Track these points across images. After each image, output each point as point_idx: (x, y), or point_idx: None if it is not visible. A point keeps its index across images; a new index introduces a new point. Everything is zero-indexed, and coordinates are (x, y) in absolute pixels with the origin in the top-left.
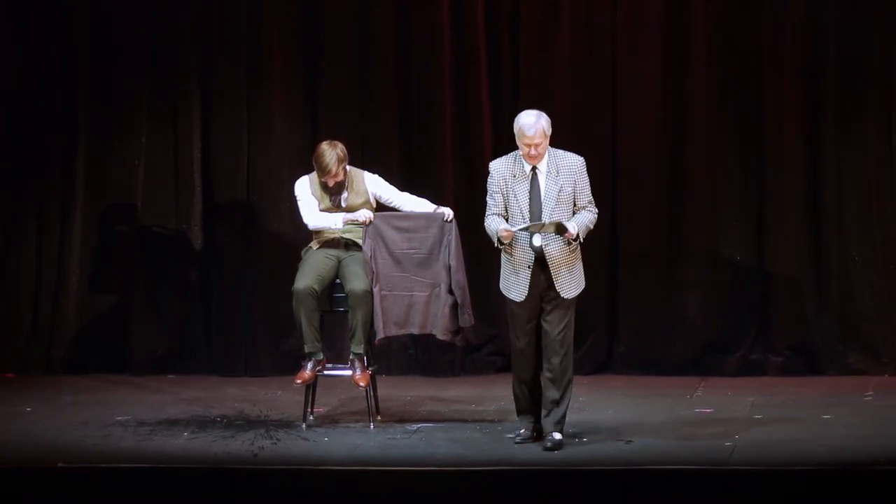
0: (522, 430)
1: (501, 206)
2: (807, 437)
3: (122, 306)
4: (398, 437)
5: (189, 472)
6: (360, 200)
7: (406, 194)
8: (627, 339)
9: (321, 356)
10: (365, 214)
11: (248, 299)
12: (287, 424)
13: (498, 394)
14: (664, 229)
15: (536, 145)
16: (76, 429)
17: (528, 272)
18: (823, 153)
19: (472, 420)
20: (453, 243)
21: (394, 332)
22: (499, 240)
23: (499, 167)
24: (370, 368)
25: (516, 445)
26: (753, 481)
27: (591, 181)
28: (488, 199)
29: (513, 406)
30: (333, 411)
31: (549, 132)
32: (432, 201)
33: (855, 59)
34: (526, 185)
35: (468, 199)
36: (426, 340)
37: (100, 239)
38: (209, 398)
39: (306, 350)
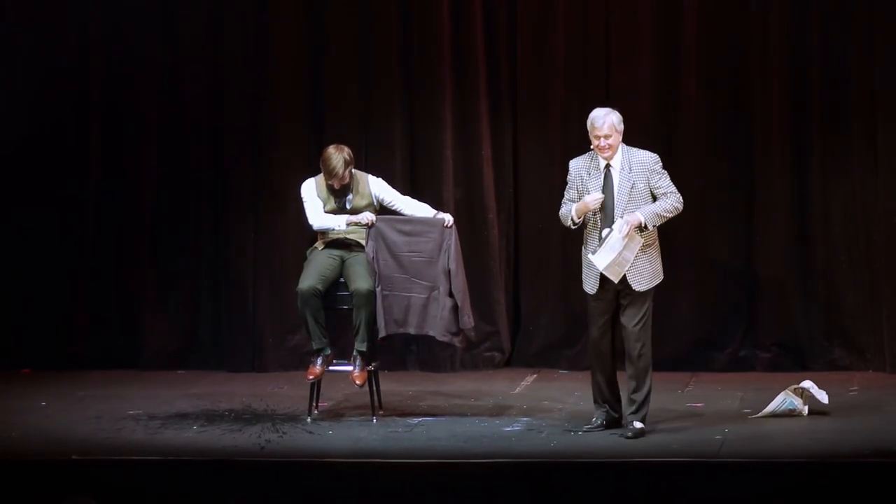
0: (594, 419)
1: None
2: (794, 431)
3: (134, 305)
4: (400, 430)
5: (198, 465)
6: (364, 203)
7: (408, 198)
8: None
9: (329, 351)
10: (368, 216)
11: (256, 298)
12: (293, 418)
13: (496, 389)
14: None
15: (606, 136)
16: (89, 422)
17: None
18: (810, 158)
19: (471, 414)
20: (452, 248)
21: (394, 329)
22: (572, 220)
23: (576, 164)
24: (371, 366)
25: (582, 433)
26: (742, 473)
27: None
28: (565, 193)
29: (509, 402)
30: (337, 405)
31: (619, 128)
32: (432, 206)
33: (839, 70)
34: (600, 181)
35: (467, 204)
36: (427, 337)
37: (112, 238)
38: (217, 393)
39: (315, 346)
